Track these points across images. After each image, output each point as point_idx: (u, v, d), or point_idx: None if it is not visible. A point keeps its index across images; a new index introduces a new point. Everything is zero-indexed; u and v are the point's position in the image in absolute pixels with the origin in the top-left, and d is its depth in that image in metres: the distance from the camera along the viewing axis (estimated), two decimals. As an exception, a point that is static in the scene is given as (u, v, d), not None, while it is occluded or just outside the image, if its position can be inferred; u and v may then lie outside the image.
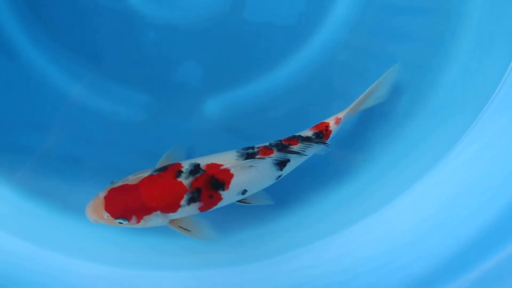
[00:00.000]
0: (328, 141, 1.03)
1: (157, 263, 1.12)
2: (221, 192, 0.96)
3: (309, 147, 1.00)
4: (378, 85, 1.07)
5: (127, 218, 0.94)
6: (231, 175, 0.95)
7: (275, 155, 0.97)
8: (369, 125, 1.17)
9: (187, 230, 0.99)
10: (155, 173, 0.95)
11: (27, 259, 1.09)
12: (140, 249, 1.13)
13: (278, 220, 1.15)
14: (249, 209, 1.11)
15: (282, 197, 1.15)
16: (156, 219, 0.95)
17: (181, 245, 1.12)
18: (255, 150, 0.98)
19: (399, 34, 1.19)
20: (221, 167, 0.94)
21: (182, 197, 0.94)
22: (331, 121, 1.04)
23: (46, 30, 1.20)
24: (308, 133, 1.02)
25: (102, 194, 0.94)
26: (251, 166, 0.96)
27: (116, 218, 0.94)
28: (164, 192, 0.93)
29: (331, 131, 1.03)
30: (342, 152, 1.17)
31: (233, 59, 1.21)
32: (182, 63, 1.20)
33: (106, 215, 0.94)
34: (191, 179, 0.94)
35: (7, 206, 1.14)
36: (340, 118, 1.04)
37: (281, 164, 0.99)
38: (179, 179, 0.94)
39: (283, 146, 0.99)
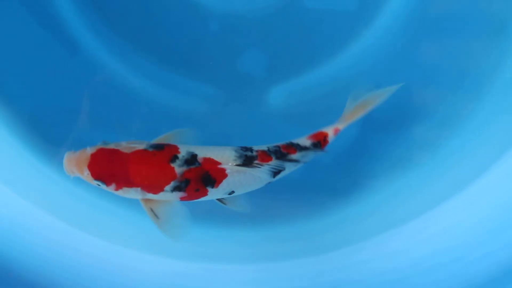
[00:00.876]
0: (325, 149, 1.01)
1: (227, 256, 1.13)
2: (209, 189, 0.93)
3: (305, 156, 0.98)
4: (376, 96, 1.02)
5: (106, 182, 0.91)
6: (225, 175, 0.92)
7: (274, 163, 0.95)
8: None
9: (156, 216, 0.95)
10: (150, 149, 0.92)
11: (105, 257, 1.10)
12: (211, 242, 1.14)
13: (341, 209, 1.16)
14: (311, 199, 1.13)
15: (345, 185, 1.16)
16: (134, 194, 0.93)
17: (242, 237, 1.13)
18: (254, 153, 0.95)
19: (461, 22, 1.19)
20: (219, 166, 0.92)
21: (168, 183, 0.91)
22: (329, 132, 1.00)
23: (109, 24, 1.20)
24: (306, 142, 0.99)
25: (90, 151, 0.91)
26: (246, 173, 0.93)
27: (95, 179, 0.91)
28: (152, 173, 0.91)
29: (328, 142, 1.01)
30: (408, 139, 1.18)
31: (296, 46, 1.21)
32: (245, 52, 1.20)
33: (86, 172, 0.91)
34: (184, 168, 0.91)
35: (79, 203, 1.16)
36: (339, 129, 1.01)
37: (277, 172, 0.97)
38: (172, 165, 0.91)
39: (281, 154, 0.96)
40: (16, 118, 1.17)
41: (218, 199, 0.98)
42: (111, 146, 0.92)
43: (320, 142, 1.00)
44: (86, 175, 0.91)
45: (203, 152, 0.93)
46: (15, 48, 1.19)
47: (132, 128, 1.20)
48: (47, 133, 1.17)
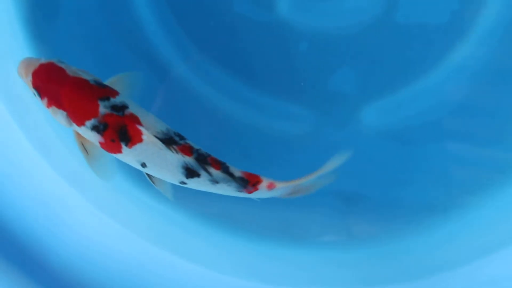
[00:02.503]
0: (252, 196, 0.96)
1: (323, 280, 1.12)
2: (123, 146, 0.90)
3: (224, 180, 0.93)
4: (323, 170, 0.96)
5: (40, 94, 0.94)
6: (140, 140, 0.89)
7: (189, 159, 0.91)
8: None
9: (86, 151, 0.95)
10: (91, 82, 0.92)
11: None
12: (308, 265, 1.14)
13: (434, 227, 1.13)
14: (396, 214, 1.10)
15: (441, 200, 1.13)
16: (61, 118, 0.93)
17: (338, 259, 1.12)
18: (180, 141, 0.91)
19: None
20: (139, 126, 0.89)
21: (89, 118, 0.90)
22: (264, 182, 0.94)
23: (197, 46, 1.20)
24: (236, 172, 0.94)
25: (42, 61, 0.95)
26: (160, 149, 0.90)
27: (33, 87, 0.94)
28: (78, 102, 0.91)
29: (257, 189, 0.95)
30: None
31: (388, 63, 1.19)
32: (336, 71, 1.19)
33: (30, 78, 0.94)
34: (107, 111, 0.90)
35: (172, 226, 1.16)
36: (275, 186, 0.95)
37: (189, 171, 0.92)
38: (99, 102, 0.90)
39: (204, 161, 0.92)
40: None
41: (148, 175, 0.95)
42: (62, 65, 0.94)
43: (248, 182, 0.94)
44: (28, 80, 0.95)
45: (135, 110, 0.91)
46: (105, 73, 1.21)
47: (222, 150, 1.20)
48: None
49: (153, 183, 0.96)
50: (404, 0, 1.18)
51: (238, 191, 0.94)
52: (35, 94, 0.95)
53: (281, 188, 0.95)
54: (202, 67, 1.20)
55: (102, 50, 1.20)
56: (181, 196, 1.16)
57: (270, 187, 0.95)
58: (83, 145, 0.95)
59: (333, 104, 1.19)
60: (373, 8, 1.18)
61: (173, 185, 0.98)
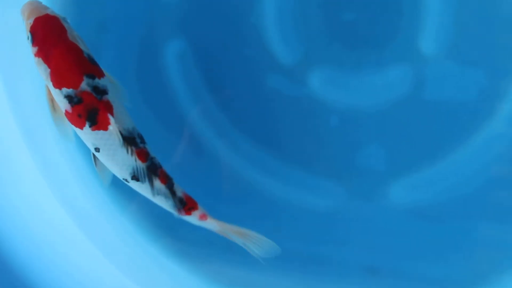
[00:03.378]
0: (183, 218, 0.97)
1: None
2: (86, 125, 0.91)
3: (163, 195, 0.94)
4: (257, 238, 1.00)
5: (34, 40, 0.92)
6: (106, 128, 0.90)
7: (139, 164, 0.92)
8: None
9: (54, 108, 0.94)
10: (85, 54, 0.92)
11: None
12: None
13: None
14: None
15: (469, 277, 1.15)
16: (42, 71, 0.92)
17: None
18: (140, 144, 0.92)
19: None
20: (109, 116, 0.90)
21: (67, 87, 0.90)
22: (199, 210, 0.97)
23: (229, 119, 1.23)
24: (179, 192, 0.96)
25: (49, 12, 0.94)
26: (119, 145, 0.91)
27: (30, 30, 0.93)
28: (64, 68, 0.91)
29: (190, 214, 0.97)
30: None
31: (416, 139, 1.21)
32: (364, 147, 1.21)
33: (31, 21, 0.93)
34: (88, 89, 0.90)
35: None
36: (206, 219, 0.98)
37: (135, 175, 0.93)
38: (84, 77, 0.90)
39: (154, 169, 0.93)
40: (144, 213, 1.21)
41: (94, 154, 0.96)
42: (66, 25, 0.94)
43: (185, 205, 0.96)
44: (28, 23, 0.94)
45: (112, 99, 0.92)
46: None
47: (252, 222, 1.22)
48: (175, 231, 1.21)
49: (95, 164, 0.97)
50: (432, 77, 1.20)
51: (173, 209, 0.96)
52: (28, 38, 0.94)
53: (212, 224, 0.98)
54: (234, 140, 1.22)
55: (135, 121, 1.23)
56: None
57: (202, 218, 0.98)
58: (53, 102, 0.94)
59: (361, 179, 1.21)
60: (402, 85, 1.20)
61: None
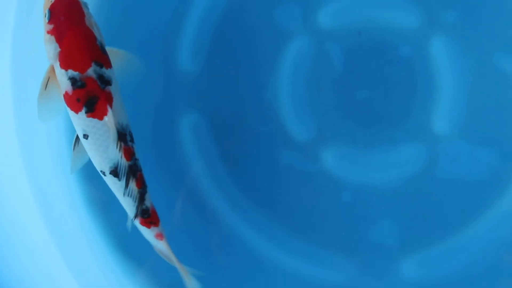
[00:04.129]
0: (138, 227, 0.99)
1: None
2: (83, 111, 0.91)
3: (132, 200, 0.95)
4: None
5: (51, 18, 0.92)
6: (100, 118, 0.91)
7: (123, 161, 0.93)
8: None
9: (45, 87, 0.93)
10: (97, 42, 0.93)
11: None
12: None
13: None
14: None
15: None
16: (51, 49, 0.93)
17: None
18: (129, 142, 0.93)
19: None
20: (108, 108, 0.91)
21: (73, 70, 0.90)
22: (158, 228, 1.00)
23: (243, 193, 1.24)
24: (149, 203, 0.98)
25: None
26: (109, 138, 0.92)
27: (49, 8, 0.93)
28: (75, 51, 0.91)
29: (149, 228, 0.99)
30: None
31: (427, 217, 1.22)
32: (376, 223, 1.22)
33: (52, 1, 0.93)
34: (93, 76, 0.91)
35: None
36: (161, 239, 1.00)
37: (114, 170, 0.94)
38: (92, 64, 0.91)
39: (134, 171, 0.94)
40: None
41: (77, 138, 0.96)
42: (87, 11, 0.94)
43: (148, 217, 0.98)
44: (50, 1, 0.93)
45: (114, 91, 0.93)
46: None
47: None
48: None
49: (73, 148, 0.97)
50: (444, 156, 1.22)
51: (134, 215, 0.97)
52: (45, 14, 0.94)
53: (163, 247, 1.00)
54: (246, 212, 1.24)
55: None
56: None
57: (158, 236, 1.00)
58: (48, 80, 0.94)
59: (372, 255, 1.22)
60: (414, 163, 1.22)
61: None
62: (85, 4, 0.95)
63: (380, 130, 1.22)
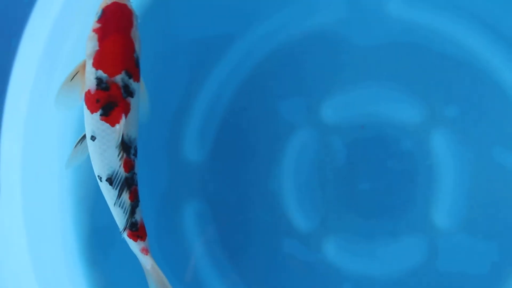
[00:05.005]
0: (125, 238, 1.00)
1: None
2: (98, 112, 0.93)
3: (122, 212, 0.97)
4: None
5: (100, 17, 0.96)
6: (112, 125, 0.93)
7: (121, 172, 0.95)
8: None
9: (71, 78, 0.96)
10: (135, 55, 0.96)
11: None
12: None
13: None
14: None
15: None
16: (90, 46, 0.95)
17: None
18: (131, 156, 0.95)
19: None
20: (123, 116, 0.93)
21: (103, 72, 0.93)
22: (145, 243, 1.00)
23: (244, 281, 1.25)
24: (139, 217, 0.99)
25: (128, 5, 0.97)
26: (114, 146, 0.94)
27: (103, 8, 0.96)
28: (111, 55, 0.95)
29: (135, 240, 1.00)
30: None
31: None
32: (377, 314, 1.23)
33: (108, 1, 0.97)
34: (120, 84, 0.93)
35: None
36: (146, 254, 1.01)
37: (110, 178, 0.95)
38: (122, 72, 0.94)
39: (130, 184, 0.96)
40: None
41: (81, 139, 0.97)
42: (135, 24, 0.97)
43: (136, 230, 0.99)
44: (105, 1, 0.97)
45: (133, 104, 0.95)
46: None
47: None
48: None
49: (75, 145, 0.98)
50: (445, 249, 1.23)
51: (123, 227, 0.98)
52: (97, 13, 0.97)
53: (147, 261, 1.01)
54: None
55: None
56: None
57: (143, 251, 1.01)
58: (75, 73, 0.96)
59: None
60: (415, 256, 1.23)
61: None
62: (136, 17, 0.99)
63: (381, 222, 1.23)
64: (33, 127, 1.20)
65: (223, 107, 1.25)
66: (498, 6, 1.22)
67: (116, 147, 0.94)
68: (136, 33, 0.98)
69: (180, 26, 1.23)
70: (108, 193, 0.97)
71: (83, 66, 0.96)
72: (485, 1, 1.22)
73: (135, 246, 1.01)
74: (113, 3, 0.97)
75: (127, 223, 0.98)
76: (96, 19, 0.97)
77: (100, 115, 0.94)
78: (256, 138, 1.24)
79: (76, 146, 0.99)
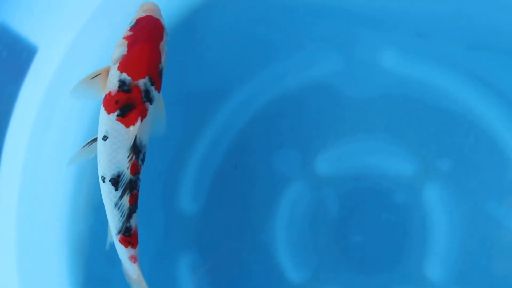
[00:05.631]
0: (114, 243, 1.00)
1: None
2: (116, 113, 0.95)
3: (120, 215, 0.97)
4: None
5: (134, 25, 1.01)
6: (127, 126, 0.95)
7: (127, 174, 0.96)
8: None
9: (91, 77, 0.98)
10: (159, 66, 0.99)
11: None
12: None
13: None
14: None
15: None
16: (118, 51, 0.98)
17: None
18: (139, 160, 0.97)
19: None
20: (138, 120, 0.95)
21: (127, 74, 0.96)
22: (135, 250, 1.01)
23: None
24: (134, 223, 0.99)
25: (161, 20, 1.03)
26: (124, 147, 0.95)
27: (138, 18, 1.02)
28: (138, 61, 0.97)
29: (126, 247, 1.00)
30: None
31: None
32: None
33: (144, 14, 1.02)
34: (141, 88, 0.96)
35: None
36: (134, 262, 1.01)
37: (115, 180, 0.96)
38: (146, 77, 0.96)
39: (132, 187, 0.97)
40: None
41: (92, 140, 0.98)
42: (165, 39, 1.02)
43: (128, 236, 0.99)
44: (140, 13, 1.03)
45: (151, 110, 0.97)
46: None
47: None
48: None
49: (84, 145, 1.00)
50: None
51: (117, 231, 0.98)
52: (131, 22, 1.02)
53: (133, 269, 1.01)
54: None
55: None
56: None
57: (132, 258, 1.01)
58: (98, 74, 0.99)
59: None
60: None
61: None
62: (167, 33, 1.03)
63: (374, 274, 1.24)
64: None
65: (218, 160, 1.25)
66: (491, 60, 1.23)
67: (128, 149, 0.95)
68: (165, 47, 1.02)
69: (175, 79, 1.23)
70: (109, 194, 0.98)
71: (107, 70, 0.99)
72: (478, 55, 1.23)
73: (124, 253, 1.01)
74: (147, 16, 1.02)
75: (123, 226, 0.98)
76: (128, 27, 1.01)
77: (117, 115, 0.96)
78: (250, 190, 1.25)
79: (84, 146, 1.00)
